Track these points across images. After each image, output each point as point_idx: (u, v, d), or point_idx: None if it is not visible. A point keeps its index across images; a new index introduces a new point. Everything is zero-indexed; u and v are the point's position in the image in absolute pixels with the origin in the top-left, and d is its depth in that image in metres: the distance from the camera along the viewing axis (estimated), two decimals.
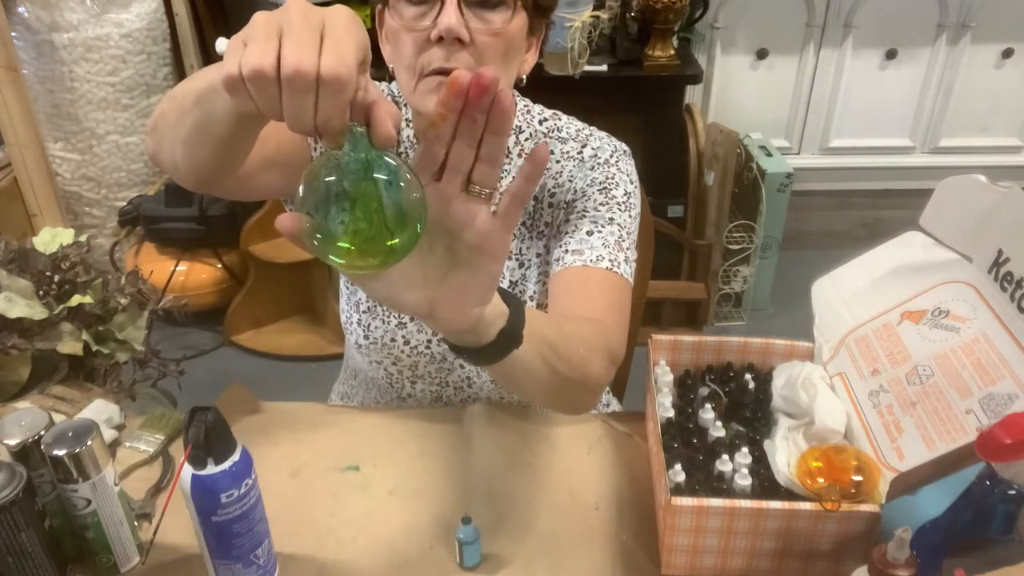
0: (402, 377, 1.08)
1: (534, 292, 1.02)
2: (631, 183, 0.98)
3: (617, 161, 0.98)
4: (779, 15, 2.57)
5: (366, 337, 1.04)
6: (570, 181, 0.98)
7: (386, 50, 0.89)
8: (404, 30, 0.83)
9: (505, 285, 1.00)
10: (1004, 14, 2.57)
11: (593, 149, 0.99)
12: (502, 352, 0.63)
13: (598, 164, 0.98)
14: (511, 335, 0.63)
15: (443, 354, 1.03)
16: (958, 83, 2.69)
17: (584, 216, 0.95)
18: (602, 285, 0.90)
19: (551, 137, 1.01)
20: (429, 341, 1.03)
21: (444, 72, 0.82)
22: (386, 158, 0.52)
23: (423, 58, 0.83)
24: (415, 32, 0.82)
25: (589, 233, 0.94)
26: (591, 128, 1.03)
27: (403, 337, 1.03)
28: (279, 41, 0.50)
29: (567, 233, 0.96)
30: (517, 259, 1.01)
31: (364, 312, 1.04)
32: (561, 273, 0.92)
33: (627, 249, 0.94)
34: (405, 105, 1.00)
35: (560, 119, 1.02)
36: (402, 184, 0.52)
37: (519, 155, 1.00)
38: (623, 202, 0.96)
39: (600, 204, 0.95)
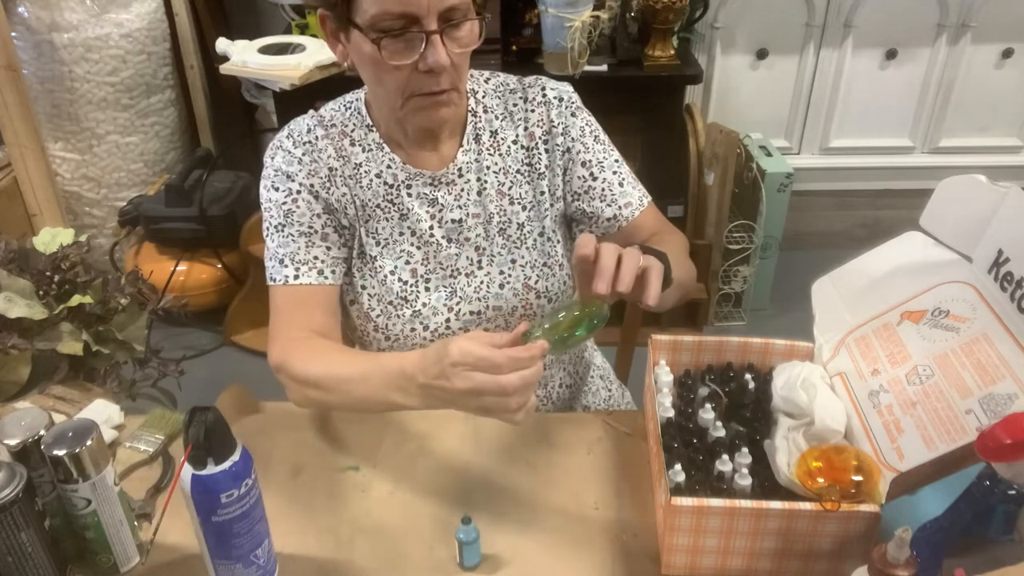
0: None
1: (544, 227, 1.09)
2: (595, 121, 1.11)
3: (581, 104, 1.10)
4: (779, 15, 2.57)
5: (387, 339, 1.06)
6: (554, 123, 1.07)
7: (338, 51, 0.98)
8: (392, 65, 0.92)
9: (513, 227, 1.08)
10: (1004, 14, 2.57)
11: (552, 89, 1.09)
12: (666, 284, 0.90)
13: (575, 108, 1.08)
14: (668, 279, 0.89)
15: (464, 327, 1.06)
16: (958, 83, 2.69)
17: (602, 167, 1.09)
18: (655, 216, 1.11)
19: (503, 91, 1.09)
20: (447, 320, 1.06)
21: (432, 94, 0.95)
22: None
23: (410, 84, 0.95)
24: (402, 65, 0.92)
25: (621, 184, 1.09)
26: (526, 77, 1.12)
27: (421, 324, 1.05)
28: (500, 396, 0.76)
29: (599, 189, 1.08)
30: (519, 203, 1.08)
31: (379, 316, 1.05)
32: (626, 228, 1.09)
33: (633, 175, 1.12)
34: (368, 112, 1.06)
35: (498, 75, 1.12)
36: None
37: (483, 111, 1.08)
38: (607, 142, 1.11)
39: (602, 153, 1.09)
